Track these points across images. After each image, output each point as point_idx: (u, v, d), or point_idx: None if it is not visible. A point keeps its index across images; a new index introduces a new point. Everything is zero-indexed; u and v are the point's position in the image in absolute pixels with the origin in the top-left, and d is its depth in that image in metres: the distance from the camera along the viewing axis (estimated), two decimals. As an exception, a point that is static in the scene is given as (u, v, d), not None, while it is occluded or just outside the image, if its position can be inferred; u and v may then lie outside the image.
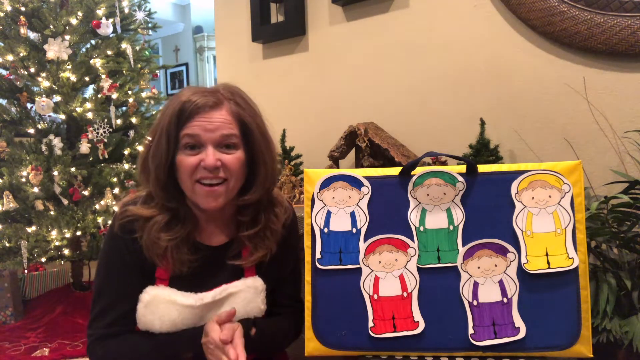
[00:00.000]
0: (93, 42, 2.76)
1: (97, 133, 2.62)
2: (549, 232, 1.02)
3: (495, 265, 1.03)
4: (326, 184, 1.08)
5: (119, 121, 2.74)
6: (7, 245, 2.42)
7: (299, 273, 1.18)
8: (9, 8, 2.58)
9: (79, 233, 2.51)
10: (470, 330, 1.01)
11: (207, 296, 1.02)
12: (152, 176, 1.01)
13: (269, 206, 1.09)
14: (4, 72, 2.64)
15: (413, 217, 1.06)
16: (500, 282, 1.02)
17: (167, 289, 1.02)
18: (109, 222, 2.54)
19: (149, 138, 1.04)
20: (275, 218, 1.09)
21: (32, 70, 2.58)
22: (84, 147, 2.55)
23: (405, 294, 1.04)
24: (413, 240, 1.05)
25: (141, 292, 1.02)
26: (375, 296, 1.04)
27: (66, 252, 2.54)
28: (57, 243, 2.45)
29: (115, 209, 2.57)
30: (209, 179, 0.98)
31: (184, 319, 1.01)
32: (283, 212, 1.11)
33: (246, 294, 1.05)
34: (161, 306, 1.00)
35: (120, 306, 1.02)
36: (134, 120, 2.82)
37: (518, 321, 1.01)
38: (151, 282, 1.03)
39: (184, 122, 0.98)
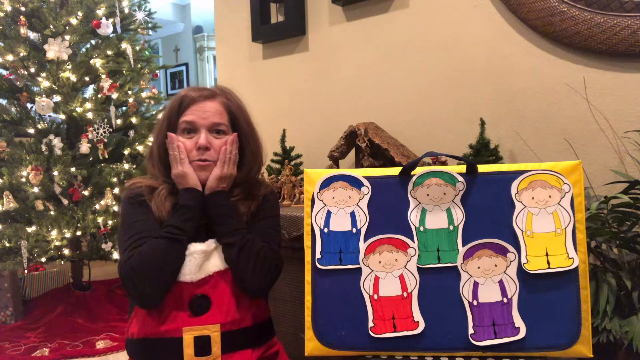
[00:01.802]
0: (93, 42, 2.76)
1: (97, 133, 2.62)
2: (549, 232, 1.02)
3: (495, 265, 1.03)
4: (326, 184, 1.09)
5: (119, 121, 2.73)
6: (7, 245, 2.42)
7: (273, 234, 1.25)
8: (9, 8, 2.58)
9: (79, 233, 2.51)
10: (470, 330, 1.01)
11: (203, 245, 1.17)
12: (155, 155, 1.23)
13: (253, 187, 1.28)
14: (4, 72, 2.63)
15: (413, 217, 1.06)
16: (500, 282, 1.02)
17: None
18: (109, 222, 2.56)
19: (153, 136, 1.26)
20: (256, 192, 1.27)
21: (32, 70, 2.57)
22: (84, 147, 2.55)
23: (405, 294, 1.04)
24: (413, 240, 1.05)
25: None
26: (375, 296, 1.04)
27: (66, 252, 2.54)
28: (57, 243, 2.45)
29: (116, 209, 2.58)
30: (201, 159, 1.17)
31: (183, 266, 1.13)
32: (263, 189, 1.29)
33: None
34: None
35: (147, 238, 1.15)
36: (134, 120, 2.81)
37: (518, 321, 1.01)
38: None
39: (183, 110, 1.19)
